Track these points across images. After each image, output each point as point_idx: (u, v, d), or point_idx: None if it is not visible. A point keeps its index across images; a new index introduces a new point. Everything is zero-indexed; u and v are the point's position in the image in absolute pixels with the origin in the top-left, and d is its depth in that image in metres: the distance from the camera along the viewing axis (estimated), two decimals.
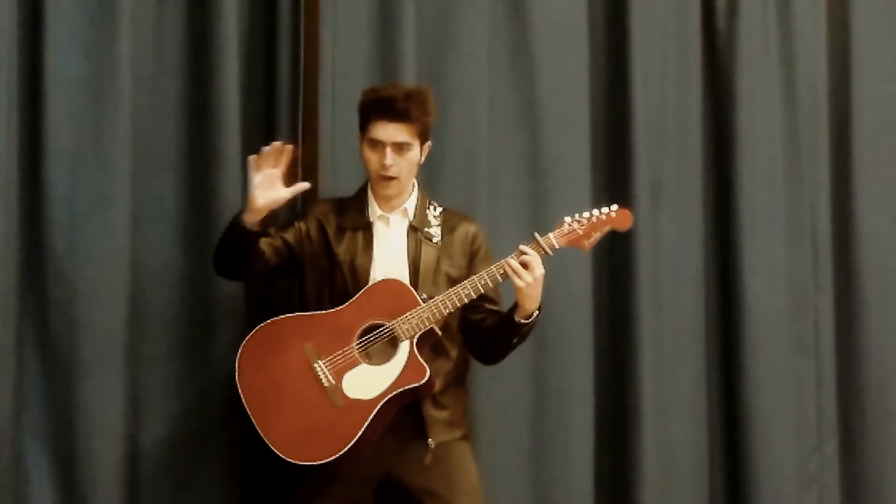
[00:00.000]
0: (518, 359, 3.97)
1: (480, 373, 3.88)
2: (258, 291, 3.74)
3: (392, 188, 3.36)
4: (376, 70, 3.90)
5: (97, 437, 3.52)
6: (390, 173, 3.32)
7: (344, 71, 3.84)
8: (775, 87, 4.40)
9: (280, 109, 3.80)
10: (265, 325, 3.33)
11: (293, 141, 3.73)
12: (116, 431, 3.55)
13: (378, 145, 3.33)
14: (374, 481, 3.34)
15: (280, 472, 3.33)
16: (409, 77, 3.83)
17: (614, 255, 4.18)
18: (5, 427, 3.43)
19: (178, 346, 3.67)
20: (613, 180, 4.19)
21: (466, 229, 3.44)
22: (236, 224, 3.26)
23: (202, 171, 3.69)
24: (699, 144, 4.34)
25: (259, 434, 3.24)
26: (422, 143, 3.38)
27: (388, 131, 3.31)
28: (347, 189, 3.54)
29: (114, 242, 3.57)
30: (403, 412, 3.27)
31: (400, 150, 3.33)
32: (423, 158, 3.42)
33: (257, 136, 3.79)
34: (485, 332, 3.38)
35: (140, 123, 3.64)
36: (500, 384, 3.94)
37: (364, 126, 3.36)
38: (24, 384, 3.51)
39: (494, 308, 3.39)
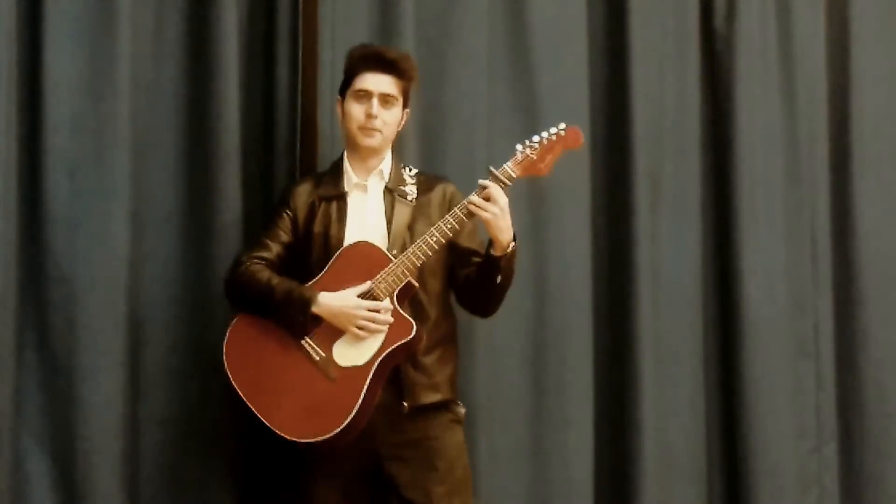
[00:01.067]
0: (517, 358, 4.00)
1: (481, 373, 3.89)
2: None
3: (375, 139, 3.37)
4: None
5: (96, 437, 3.52)
6: (375, 124, 3.35)
7: (342, 70, 3.83)
8: (774, 88, 4.40)
9: (279, 110, 3.80)
10: (243, 315, 3.34)
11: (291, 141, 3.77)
12: (116, 432, 3.55)
13: (365, 96, 3.37)
14: (367, 467, 3.33)
15: (281, 464, 3.32)
16: None
17: (613, 254, 4.19)
18: (5, 428, 3.43)
19: (178, 348, 3.67)
20: (612, 181, 4.19)
21: (444, 188, 3.46)
22: (302, 307, 3.25)
23: (201, 172, 3.69)
24: (698, 145, 4.34)
25: (261, 423, 3.24)
26: (404, 106, 3.42)
27: (377, 81, 3.37)
28: None
29: (113, 243, 3.57)
30: (387, 383, 3.26)
31: (386, 103, 3.37)
32: (402, 125, 3.45)
33: (256, 137, 3.80)
34: (474, 283, 3.38)
35: (139, 124, 3.64)
36: (499, 383, 3.95)
37: (350, 81, 3.41)
38: (24, 385, 3.52)
39: (481, 260, 3.37)
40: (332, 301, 3.24)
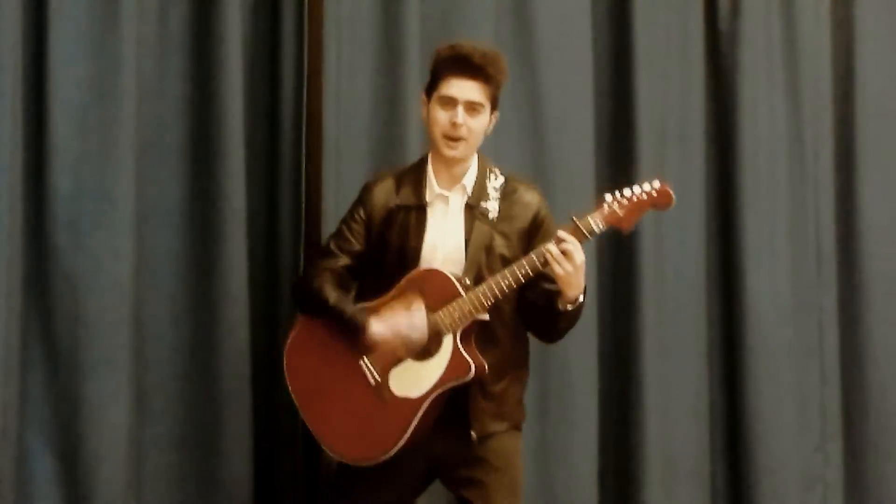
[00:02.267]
0: None
1: None
2: (262, 290, 3.76)
3: (458, 149, 3.19)
4: (380, 70, 3.91)
5: (101, 435, 3.52)
6: (460, 133, 3.17)
7: (347, 71, 3.84)
8: (778, 87, 4.41)
9: (284, 110, 3.80)
10: (305, 322, 3.27)
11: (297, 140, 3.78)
12: (120, 430, 3.55)
13: (450, 103, 3.17)
14: (421, 473, 3.29)
15: (335, 466, 3.31)
16: (413, 77, 3.84)
17: (618, 254, 4.19)
18: (9, 425, 3.44)
19: (182, 345, 3.68)
20: (617, 180, 4.17)
21: (528, 202, 3.27)
22: (355, 335, 3.18)
23: (206, 172, 3.69)
24: (702, 144, 4.34)
25: (311, 432, 3.23)
26: (492, 110, 3.23)
27: (463, 88, 3.16)
28: (350, 188, 3.50)
29: (117, 242, 3.57)
30: (452, 403, 3.18)
31: (472, 111, 3.18)
32: (490, 128, 3.27)
33: (261, 136, 3.80)
34: (537, 313, 3.25)
35: (144, 123, 3.65)
36: None
37: (435, 84, 3.21)
38: (29, 382, 3.52)
39: (550, 287, 3.18)
40: (382, 332, 3.16)
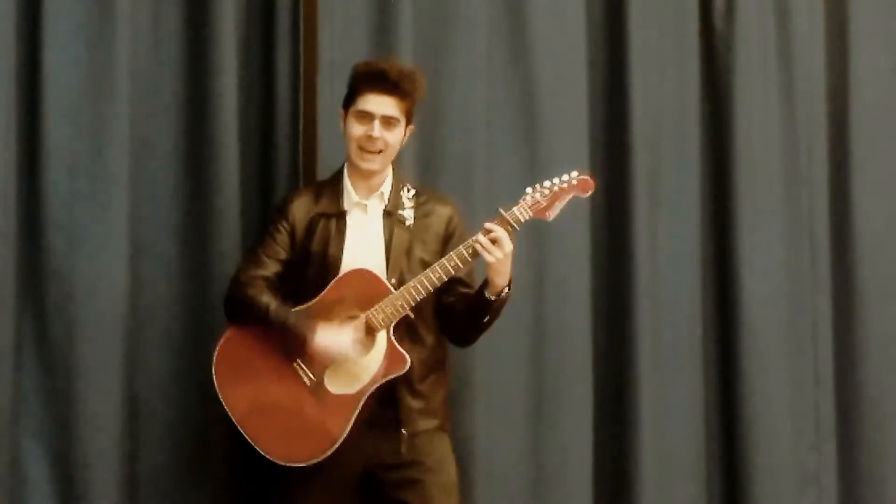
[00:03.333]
0: (516, 358, 3.99)
1: (480, 372, 3.89)
2: None
3: (375, 162, 3.32)
4: None
5: (95, 437, 3.53)
6: (376, 146, 3.30)
7: (342, 69, 3.82)
8: (773, 87, 4.40)
9: (279, 109, 3.80)
10: (235, 330, 3.32)
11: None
12: (114, 432, 3.56)
13: (366, 117, 3.30)
14: (356, 475, 3.34)
15: (267, 473, 3.33)
16: None
17: (612, 254, 4.19)
18: (3, 427, 3.44)
19: (177, 347, 3.68)
20: (611, 180, 4.19)
21: (441, 212, 3.41)
22: (297, 330, 3.23)
23: (200, 171, 3.69)
24: (697, 144, 4.33)
25: (246, 439, 3.26)
26: (406, 124, 3.37)
27: (378, 103, 3.30)
28: None
29: (112, 243, 3.57)
30: (380, 403, 3.26)
31: (388, 125, 3.31)
32: (405, 141, 3.40)
33: (256, 137, 3.80)
34: (458, 313, 3.37)
35: (138, 123, 3.64)
36: (497, 384, 3.95)
37: (352, 98, 3.34)
38: (23, 384, 3.52)
39: (468, 290, 3.37)
40: (328, 343, 3.22)
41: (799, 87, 4.44)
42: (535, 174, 4.00)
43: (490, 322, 3.36)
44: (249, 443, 3.27)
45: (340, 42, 3.85)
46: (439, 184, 3.83)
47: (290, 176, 3.78)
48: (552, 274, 4.04)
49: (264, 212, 3.76)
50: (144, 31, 3.69)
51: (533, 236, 3.97)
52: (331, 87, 3.76)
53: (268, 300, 3.28)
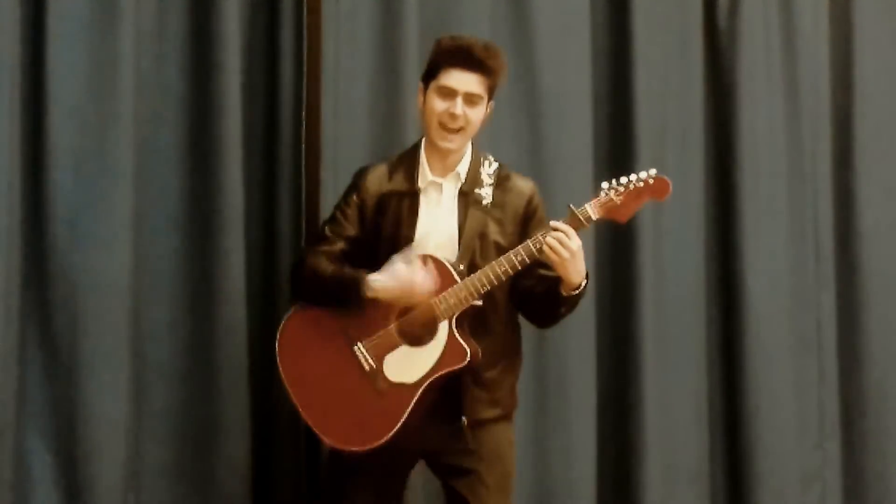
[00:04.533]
0: None
1: None
2: (260, 288, 3.76)
3: (455, 141, 3.21)
4: (379, 68, 3.91)
5: (99, 434, 3.53)
6: (458, 123, 3.18)
7: (346, 69, 3.84)
8: (777, 84, 4.41)
9: (282, 108, 3.80)
10: (298, 311, 3.27)
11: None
12: (118, 429, 3.56)
13: (449, 94, 3.18)
14: (411, 463, 3.31)
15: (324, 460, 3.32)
16: (412, 76, 3.83)
17: (616, 252, 4.19)
18: (8, 424, 3.44)
19: (180, 343, 3.68)
20: (615, 178, 4.18)
21: (522, 190, 3.28)
22: (357, 292, 3.15)
23: (204, 170, 3.69)
24: (701, 142, 4.34)
25: (305, 421, 3.21)
26: (488, 100, 3.24)
27: (463, 80, 3.17)
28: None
29: (116, 240, 3.57)
30: (443, 393, 3.18)
31: (470, 102, 3.19)
32: (486, 119, 3.27)
33: (260, 135, 3.81)
34: (535, 300, 3.26)
35: (142, 122, 3.65)
36: None
37: (434, 73, 3.21)
38: (27, 382, 3.52)
39: (547, 273, 3.19)
40: (384, 282, 3.13)
41: (803, 85, 4.44)
42: (538, 172, 4.02)
43: (567, 313, 3.26)
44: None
45: (344, 39, 3.85)
46: None
47: (294, 174, 3.78)
48: None
49: (268, 210, 3.77)
50: (148, 29, 3.68)
51: None
52: (334, 86, 3.77)
53: (327, 266, 3.20)
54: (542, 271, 3.21)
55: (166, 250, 3.69)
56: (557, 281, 3.15)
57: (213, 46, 3.69)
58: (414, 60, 3.85)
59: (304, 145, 3.79)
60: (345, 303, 3.17)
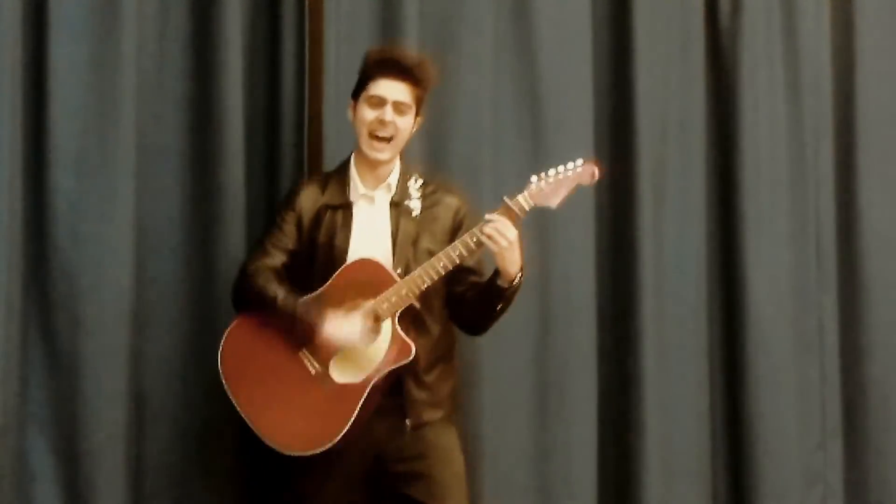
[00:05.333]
0: (521, 358, 4.00)
1: (485, 371, 3.90)
2: None
3: (385, 151, 3.31)
4: None
5: (100, 434, 3.53)
6: (388, 131, 3.29)
7: (347, 68, 3.83)
8: (779, 85, 4.40)
9: (284, 108, 3.81)
10: (242, 321, 3.33)
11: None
12: (120, 427, 3.56)
13: (379, 103, 3.29)
14: (364, 466, 3.33)
15: (277, 465, 3.34)
16: None
17: (617, 253, 4.19)
18: (9, 424, 3.44)
19: (182, 345, 3.69)
20: (616, 177, 4.19)
21: (449, 204, 3.39)
22: (305, 320, 3.23)
23: (205, 170, 3.70)
24: (703, 143, 4.34)
25: (252, 429, 3.25)
26: (416, 114, 3.36)
27: (391, 88, 3.29)
28: None
29: (117, 241, 3.57)
30: (387, 393, 3.26)
31: (399, 111, 3.30)
32: (413, 132, 3.39)
33: (261, 135, 3.81)
34: (470, 302, 3.35)
35: (143, 122, 3.65)
36: (502, 384, 3.96)
37: (364, 84, 3.33)
38: (28, 381, 3.53)
39: (478, 279, 3.35)
40: (336, 331, 3.22)
41: (805, 85, 4.44)
42: (540, 171, 4.01)
43: (503, 310, 3.34)
44: (255, 433, 3.27)
45: (346, 40, 3.85)
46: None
47: (295, 174, 3.78)
48: (557, 271, 4.05)
49: (269, 209, 3.77)
50: (150, 29, 3.69)
51: (537, 234, 3.97)
52: (336, 86, 3.77)
53: (275, 289, 3.28)
54: (473, 277, 3.34)
55: (167, 250, 3.69)
56: (492, 278, 3.25)
57: (215, 47, 3.70)
58: None
59: (305, 146, 3.80)
60: (291, 331, 3.25)
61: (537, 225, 3.98)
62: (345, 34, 3.87)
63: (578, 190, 4.01)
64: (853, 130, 4.52)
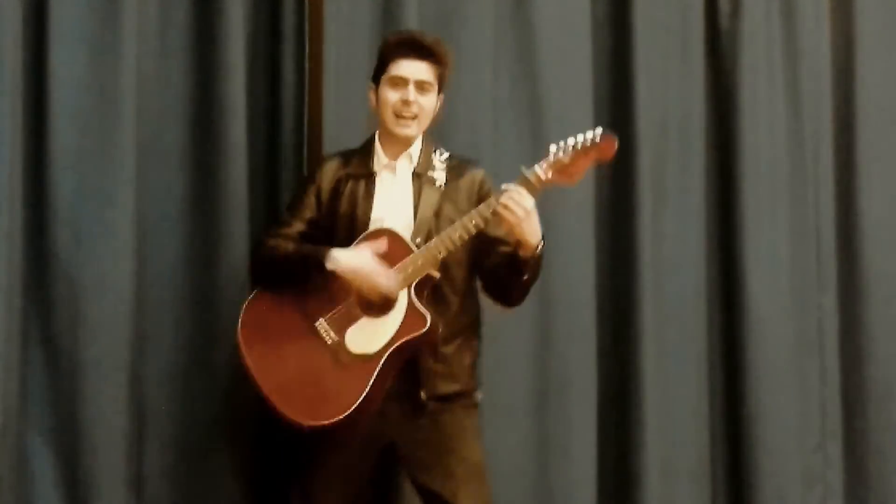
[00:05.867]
0: (521, 356, 4.00)
1: (485, 370, 3.89)
2: None
3: (411, 128, 3.32)
4: None
5: (101, 434, 3.52)
6: (412, 110, 3.30)
7: (348, 69, 3.85)
8: (779, 85, 4.41)
9: (285, 108, 3.81)
10: (261, 293, 3.33)
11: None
12: (120, 430, 3.55)
13: (401, 83, 3.31)
14: (377, 449, 3.32)
15: (287, 445, 3.33)
16: None
17: (617, 253, 4.19)
18: (9, 424, 3.43)
19: (183, 345, 3.68)
20: (616, 178, 4.20)
21: (473, 175, 3.38)
22: (319, 263, 3.22)
23: (206, 170, 3.69)
24: (702, 143, 4.34)
25: (267, 402, 3.22)
26: (439, 92, 3.36)
27: (413, 68, 3.30)
28: None
29: (118, 241, 3.57)
30: (403, 372, 3.23)
31: (422, 90, 3.31)
32: (437, 110, 3.38)
33: (262, 135, 3.81)
34: (501, 276, 3.32)
35: (144, 123, 3.64)
36: (503, 381, 3.96)
37: (384, 67, 3.34)
38: (29, 382, 3.52)
39: (508, 249, 3.27)
40: (348, 259, 3.20)
41: (805, 86, 4.45)
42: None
43: (531, 280, 3.29)
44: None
45: (346, 41, 3.85)
46: None
47: (296, 175, 3.78)
48: (557, 272, 4.04)
49: (271, 210, 3.77)
50: (151, 31, 3.68)
51: None
52: (336, 86, 3.78)
53: (288, 245, 3.29)
54: (503, 248, 3.29)
55: (168, 251, 3.69)
56: (514, 253, 3.22)
57: (216, 46, 3.70)
58: None
59: (306, 146, 3.80)
60: (306, 277, 3.24)
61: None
62: (345, 35, 3.87)
63: (580, 190, 4.05)
64: (853, 130, 4.53)
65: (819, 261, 4.46)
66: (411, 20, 3.90)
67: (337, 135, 3.78)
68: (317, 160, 3.74)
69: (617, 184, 4.19)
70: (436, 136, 3.59)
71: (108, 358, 3.55)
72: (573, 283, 4.06)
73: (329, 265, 3.20)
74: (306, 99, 3.81)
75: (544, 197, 3.95)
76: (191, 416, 3.68)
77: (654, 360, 4.14)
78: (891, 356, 4.50)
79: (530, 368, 4.03)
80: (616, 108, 4.25)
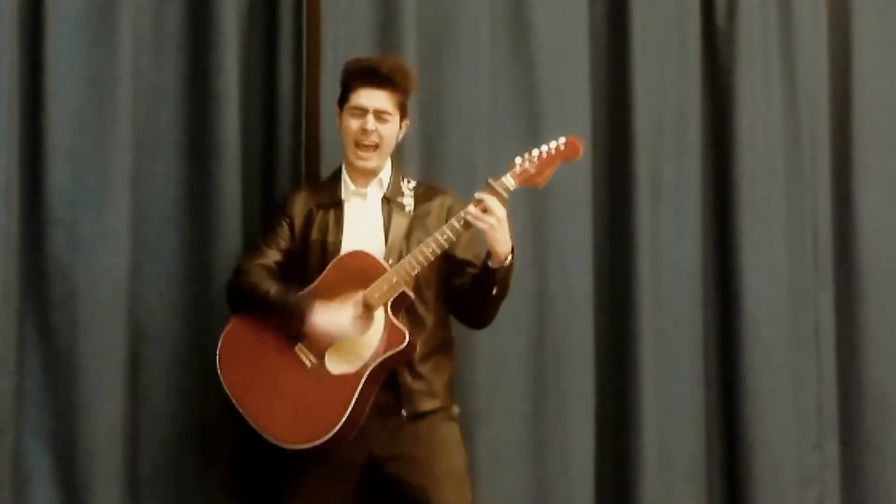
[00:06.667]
0: (518, 356, 4.00)
1: (482, 371, 3.89)
2: None
3: (371, 159, 3.37)
4: None
5: (97, 435, 3.53)
6: (371, 139, 3.35)
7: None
8: (775, 85, 4.40)
9: (281, 108, 3.80)
10: (238, 319, 3.36)
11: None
12: (117, 430, 3.56)
13: (360, 112, 3.35)
14: (359, 465, 3.34)
15: (273, 463, 3.34)
16: None
17: (614, 253, 4.19)
18: (6, 425, 3.44)
19: (179, 345, 3.68)
20: (613, 178, 4.20)
21: (443, 199, 3.45)
22: (297, 310, 3.27)
23: (202, 171, 3.69)
24: (699, 143, 4.34)
25: (252, 426, 3.27)
26: (401, 118, 3.41)
27: (371, 97, 3.35)
28: None
29: (114, 242, 3.57)
30: (383, 389, 3.28)
31: (381, 119, 3.35)
32: (400, 136, 3.44)
33: (258, 136, 3.81)
34: (469, 293, 3.37)
35: (140, 124, 3.65)
36: (500, 382, 3.95)
37: (346, 95, 3.40)
38: (25, 382, 3.52)
39: (476, 272, 3.36)
40: (326, 322, 3.26)
41: (801, 86, 4.44)
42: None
43: (500, 296, 3.34)
44: (254, 430, 3.28)
45: (343, 41, 3.85)
46: (442, 181, 3.82)
47: (292, 174, 3.78)
48: (554, 271, 4.05)
49: (266, 210, 3.77)
50: (147, 30, 3.69)
51: (534, 232, 3.99)
52: (333, 86, 3.75)
53: (268, 285, 3.32)
54: (471, 269, 3.35)
55: (165, 251, 3.69)
56: (485, 261, 3.27)
57: (212, 47, 3.70)
58: (413, 62, 3.84)
59: (302, 145, 3.80)
60: (285, 326, 3.28)
61: (534, 224, 4.00)
62: (342, 36, 3.86)
63: (576, 190, 4.07)
64: (850, 129, 4.52)
65: (816, 260, 4.46)
66: (409, 22, 3.90)
67: (334, 134, 3.77)
68: (314, 161, 3.76)
69: (614, 182, 4.19)
70: (435, 135, 3.60)
71: (104, 356, 3.56)
72: (570, 283, 4.06)
73: (306, 330, 3.26)
74: (304, 98, 3.81)
75: (541, 197, 3.99)
76: (186, 414, 3.68)
77: (650, 360, 4.14)
78: (888, 355, 4.50)
79: (527, 369, 4.03)
80: (613, 107, 4.24)
